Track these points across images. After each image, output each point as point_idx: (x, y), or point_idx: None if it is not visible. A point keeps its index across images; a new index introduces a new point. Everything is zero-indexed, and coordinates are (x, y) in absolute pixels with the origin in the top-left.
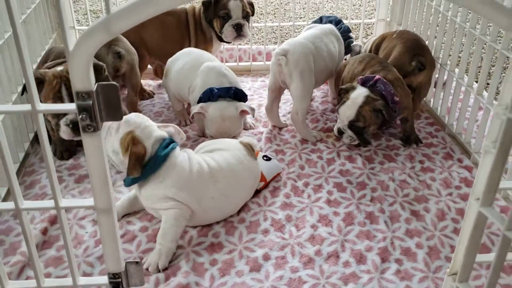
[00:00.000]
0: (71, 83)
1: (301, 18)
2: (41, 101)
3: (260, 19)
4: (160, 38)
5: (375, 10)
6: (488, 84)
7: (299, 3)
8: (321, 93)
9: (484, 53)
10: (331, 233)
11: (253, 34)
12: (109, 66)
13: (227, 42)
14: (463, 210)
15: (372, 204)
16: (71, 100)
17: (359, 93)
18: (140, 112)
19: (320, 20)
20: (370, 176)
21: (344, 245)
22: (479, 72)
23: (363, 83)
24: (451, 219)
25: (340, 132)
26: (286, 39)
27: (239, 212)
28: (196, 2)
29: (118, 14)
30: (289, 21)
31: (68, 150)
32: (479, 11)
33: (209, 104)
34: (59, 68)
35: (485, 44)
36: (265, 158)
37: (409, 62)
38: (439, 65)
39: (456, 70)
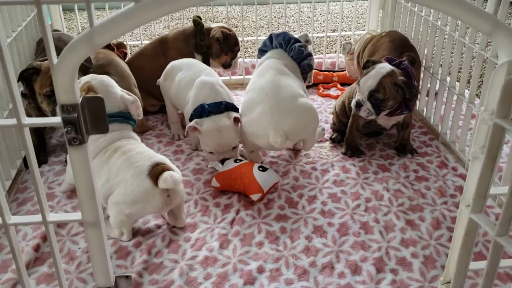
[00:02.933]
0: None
1: (294, 31)
2: (36, 90)
3: (253, 32)
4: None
5: (366, 21)
6: (479, 91)
7: (293, 16)
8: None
9: (475, 61)
10: (326, 244)
11: (246, 48)
12: None
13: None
14: None
15: (366, 214)
16: None
17: (385, 66)
18: (151, 128)
19: (270, 41)
20: (364, 186)
21: (339, 256)
22: (471, 80)
23: (389, 62)
24: (446, 228)
25: (358, 105)
26: None
27: (232, 224)
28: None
29: (101, 27)
30: None
31: None
32: (462, 18)
33: (203, 120)
34: None
35: (475, 52)
36: (260, 169)
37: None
38: (431, 74)
39: (448, 78)
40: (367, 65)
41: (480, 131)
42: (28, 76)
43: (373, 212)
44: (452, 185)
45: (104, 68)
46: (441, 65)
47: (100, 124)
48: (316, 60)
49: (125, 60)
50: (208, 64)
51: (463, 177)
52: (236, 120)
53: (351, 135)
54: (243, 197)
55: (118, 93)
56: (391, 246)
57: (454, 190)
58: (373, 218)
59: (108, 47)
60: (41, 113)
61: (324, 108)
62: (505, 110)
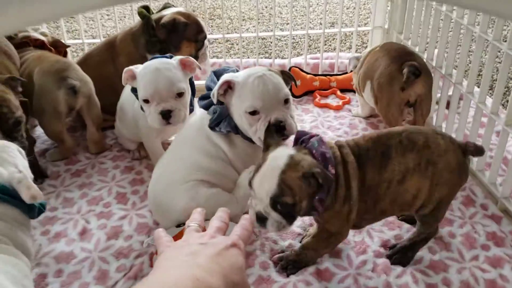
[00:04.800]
0: None
1: (287, 24)
2: None
3: (241, 25)
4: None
5: (371, 13)
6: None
7: (286, 6)
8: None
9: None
10: None
11: (232, 44)
12: (61, 103)
13: None
14: (495, 283)
15: (375, 275)
16: (1, 123)
17: (279, 153)
18: (107, 148)
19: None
20: (372, 233)
21: None
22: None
23: (296, 140)
24: None
25: (261, 220)
26: (268, 49)
27: None
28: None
29: None
30: (271, 30)
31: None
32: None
33: (138, 66)
34: None
35: (502, 51)
36: None
37: (400, 71)
38: (453, 84)
39: (476, 90)
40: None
41: None
42: None
43: (383, 273)
44: (483, 231)
45: (62, 73)
46: (466, 74)
47: None
48: (311, 61)
49: None
50: None
51: (495, 219)
52: (184, 63)
53: None
54: None
55: (7, 171)
56: None
57: (486, 239)
58: (383, 283)
59: (43, 47)
60: None
61: (321, 121)
62: None
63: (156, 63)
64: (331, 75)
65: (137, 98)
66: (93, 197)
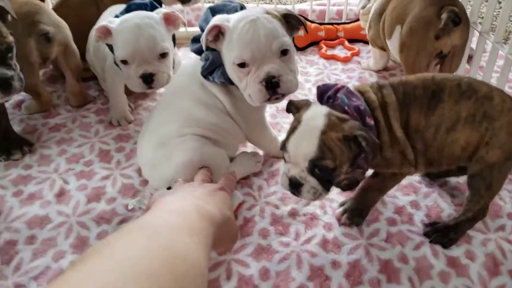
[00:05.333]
0: None
1: None
2: None
3: None
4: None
5: None
6: None
7: None
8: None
9: None
10: None
11: None
12: (32, 53)
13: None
14: None
15: (389, 246)
16: None
17: (316, 112)
18: (91, 101)
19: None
20: (385, 199)
21: None
22: None
23: (321, 95)
24: (508, 272)
25: (296, 186)
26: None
27: None
28: None
29: None
30: None
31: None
32: None
33: (112, 20)
34: None
35: None
36: None
37: (438, 16)
38: (478, 33)
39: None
40: (289, 109)
41: None
42: None
43: (398, 244)
44: (509, 198)
45: (32, 16)
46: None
47: None
48: (317, 8)
49: None
50: (160, 4)
51: None
52: (167, 18)
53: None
54: None
55: None
56: None
57: None
58: (398, 255)
59: None
60: None
61: (327, 74)
62: None
63: (136, 17)
64: (338, 24)
65: (113, 53)
66: (72, 154)
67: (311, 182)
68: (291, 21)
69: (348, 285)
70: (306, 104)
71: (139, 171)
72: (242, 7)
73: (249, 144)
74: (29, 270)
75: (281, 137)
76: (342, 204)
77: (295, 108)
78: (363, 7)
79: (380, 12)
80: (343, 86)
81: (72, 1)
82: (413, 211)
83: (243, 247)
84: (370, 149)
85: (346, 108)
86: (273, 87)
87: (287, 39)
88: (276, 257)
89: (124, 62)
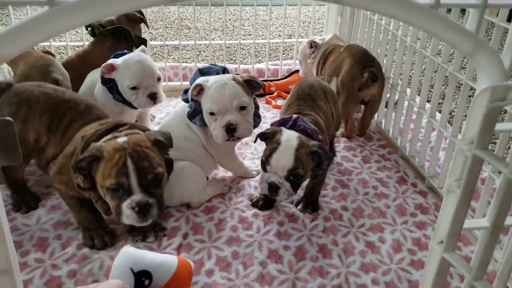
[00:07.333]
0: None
1: (250, 34)
2: (97, 180)
3: (207, 35)
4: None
5: (324, 26)
6: (440, 105)
7: (248, 19)
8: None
9: (436, 74)
10: (282, 271)
11: (199, 51)
12: None
13: None
14: (420, 240)
15: (324, 235)
16: (139, 176)
17: (290, 136)
18: None
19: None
20: (323, 205)
21: (295, 284)
22: (431, 93)
23: (281, 126)
24: (408, 250)
25: (275, 188)
26: (233, 57)
27: (179, 250)
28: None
29: (6, 37)
30: (237, 39)
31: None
32: (439, 34)
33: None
34: (121, 139)
35: (437, 65)
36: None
37: (361, 74)
38: (390, 85)
39: (408, 90)
40: (264, 137)
41: (456, 163)
42: (86, 166)
43: (331, 233)
44: (412, 203)
45: (47, 67)
46: (401, 77)
47: (11, 152)
48: (271, 67)
49: None
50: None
51: (423, 194)
52: None
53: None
54: (192, 218)
55: None
56: (351, 271)
57: (414, 208)
58: (331, 241)
59: None
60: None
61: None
62: (485, 141)
63: (139, 56)
64: (271, 81)
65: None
66: None
67: (286, 185)
68: (252, 83)
69: (295, 260)
70: (278, 130)
71: None
72: (225, 70)
73: (221, 168)
74: None
75: (246, 162)
76: (297, 203)
77: (271, 135)
78: (313, 52)
79: (324, 61)
80: (298, 117)
81: (73, 61)
82: (342, 212)
83: (219, 238)
84: (327, 160)
85: (309, 131)
86: (231, 132)
87: (245, 99)
88: (243, 244)
89: (133, 88)
